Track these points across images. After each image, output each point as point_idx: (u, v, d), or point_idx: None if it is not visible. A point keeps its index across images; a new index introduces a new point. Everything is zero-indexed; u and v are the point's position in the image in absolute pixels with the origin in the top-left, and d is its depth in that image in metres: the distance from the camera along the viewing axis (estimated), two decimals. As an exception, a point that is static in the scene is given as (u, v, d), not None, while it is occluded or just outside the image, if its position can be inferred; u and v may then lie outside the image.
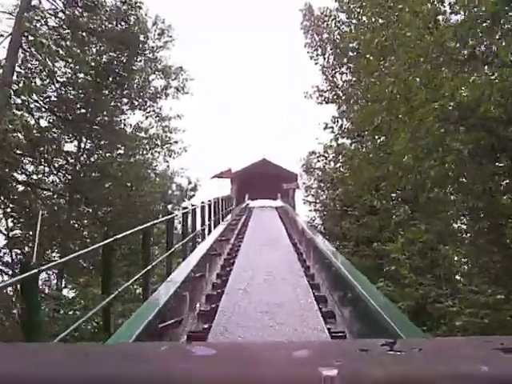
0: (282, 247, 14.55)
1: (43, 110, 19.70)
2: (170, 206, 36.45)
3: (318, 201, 34.51)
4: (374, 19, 12.41)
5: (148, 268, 8.88)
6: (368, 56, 12.02)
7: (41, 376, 0.98)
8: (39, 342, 4.78)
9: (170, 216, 11.55)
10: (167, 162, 32.17)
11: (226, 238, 15.50)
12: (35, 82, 17.92)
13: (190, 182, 39.67)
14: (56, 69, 20.46)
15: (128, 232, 8.49)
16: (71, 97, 21.28)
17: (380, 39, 11.54)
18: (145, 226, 9.12)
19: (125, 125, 27.43)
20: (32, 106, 19.00)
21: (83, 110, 22.55)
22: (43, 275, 24.86)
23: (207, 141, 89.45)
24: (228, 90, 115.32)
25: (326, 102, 20.89)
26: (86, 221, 26.49)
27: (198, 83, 45.09)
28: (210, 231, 17.58)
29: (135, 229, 8.86)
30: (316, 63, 20.19)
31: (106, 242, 7.14)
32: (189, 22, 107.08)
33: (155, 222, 9.66)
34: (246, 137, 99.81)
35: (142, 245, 9.65)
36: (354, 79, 15.32)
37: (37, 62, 18.06)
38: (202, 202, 18.19)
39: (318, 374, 0.91)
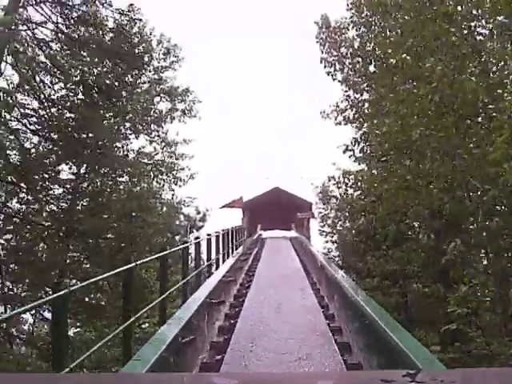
0: (298, 288, 12.56)
1: (31, 131, 17.67)
2: (177, 238, 34.47)
3: (335, 231, 32.26)
4: (406, 17, 10.41)
5: (127, 323, 6.81)
6: (405, 56, 9.96)
7: None
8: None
9: (162, 253, 9.36)
10: (173, 190, 30.31)
11: (234, 279, 13.37)
12: (16, 98, 15.95)
13: (198, 212, 37.71)
14: (50, 89, 18.65)
15: (92, 280, 6.41)
16: (66, 119, 19.38)
17: (417, 39, 9.53)
18: (123, 268, 7.00)
19: (127, 150, 25.62)
20: (19, 126, 16.97)
21: (81, 134, 20.62)
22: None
23: (207, 141, 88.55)
24: (228, 89, 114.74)
25: (346, 123, 18.84)
26: (87, 254, 24.50)
27: (198, 83, 44.24)
28: (217, 266, 15.67)
29: (106, 274, 6.70)
30: (334, 79, 18.24)
31: (55, 295, 5.04)
32: (189, 21, 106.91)
33: (138, 262, 7.51)
34: (246, 137, 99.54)
35: (123, 292, 7.56)
36: (381, 89, 13.22)
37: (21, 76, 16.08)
38: (208, 234, 16.30)
39: None
